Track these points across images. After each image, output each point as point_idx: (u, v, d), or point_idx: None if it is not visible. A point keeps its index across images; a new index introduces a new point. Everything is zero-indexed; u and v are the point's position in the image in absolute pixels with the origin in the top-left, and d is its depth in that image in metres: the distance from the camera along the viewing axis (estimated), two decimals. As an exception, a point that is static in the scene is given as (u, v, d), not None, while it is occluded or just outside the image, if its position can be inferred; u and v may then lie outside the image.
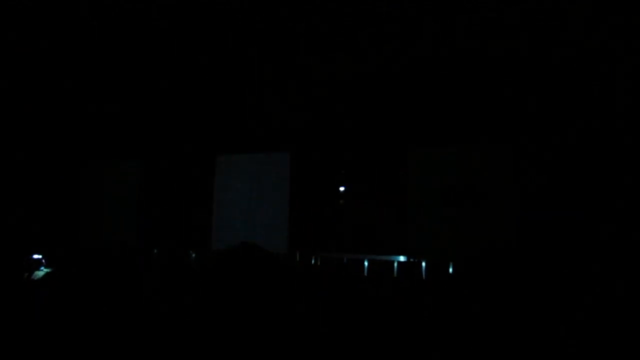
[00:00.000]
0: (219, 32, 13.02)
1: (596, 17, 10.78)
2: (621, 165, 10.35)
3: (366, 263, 10.26)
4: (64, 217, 12.53)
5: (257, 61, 15.16)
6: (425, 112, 12.46)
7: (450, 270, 9.31)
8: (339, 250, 10.90)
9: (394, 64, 13.22)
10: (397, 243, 10.41)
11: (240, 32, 12.91)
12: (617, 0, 10.19)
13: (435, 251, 9.56)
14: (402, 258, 9.96)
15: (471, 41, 12.50)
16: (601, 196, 9.88)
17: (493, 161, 9.45)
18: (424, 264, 9.67)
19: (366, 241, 11.53)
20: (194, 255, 11.93)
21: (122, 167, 12.24)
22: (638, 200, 9.75)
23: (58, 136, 12.47)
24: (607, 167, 10.48)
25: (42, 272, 8.34)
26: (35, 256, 7.91)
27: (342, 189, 11.21)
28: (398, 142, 12.49)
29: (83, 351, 1.95)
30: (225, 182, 11.36)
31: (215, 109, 14.90)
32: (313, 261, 10.45)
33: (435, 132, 11.98)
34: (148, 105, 14.09)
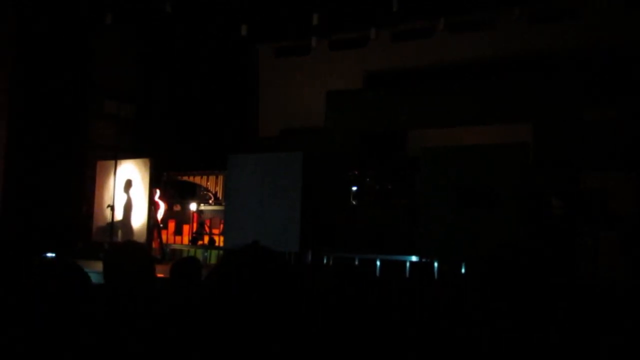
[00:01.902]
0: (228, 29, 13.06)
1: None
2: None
3: (378, 263, 10.25)
4: (76, 216, 12.59)
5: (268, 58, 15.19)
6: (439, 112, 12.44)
7: (463, 270, 9.27)
8: (351, 250, 10.89)
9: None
10: (409, 243, 10.39)
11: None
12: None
13: (447, 251, 9.53)
14: (414, 258, 9.94)
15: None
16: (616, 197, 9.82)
17: (506, 161, 9.40)
18: (436, 264, 9.64)
19: (378, 241, 11.50)
20: (205, 253, 11.96)
21: (134, 165, 12.27)
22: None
23: (71, 134, 12.53)
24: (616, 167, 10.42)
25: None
26: (49, 254, 7.94)
27: (354, 188, 11.21)
28: (410, 141, 12.48)
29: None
30: (237, 181, 11.36)
31: (228, 108, 14.94)
32: (325, 261, 10.44)
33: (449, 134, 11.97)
34: (160, 105, 14.15)
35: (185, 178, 13.13)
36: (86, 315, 1.90)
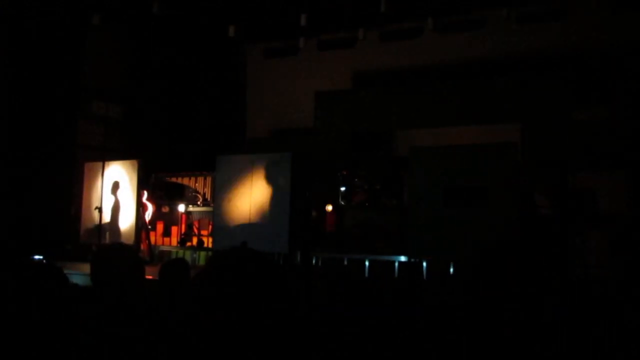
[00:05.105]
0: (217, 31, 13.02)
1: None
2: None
3: (367, 263, 10.25)
4: (64, 217, 12.51)
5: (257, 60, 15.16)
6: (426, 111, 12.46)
7: (452, 270, 9.28)
8: (340, 250, 10.89)
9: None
10: (398, 243, 10.39)
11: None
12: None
13: (436, 251, 9.53)
14: (403, 258, 9.94)
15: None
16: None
17: (495, 160, 9.42)
18: (425, 264, 9.65)
19: (367, 241, 11.50)
20: (194, 255, 11.93)
21: (122, 167, 12.21)
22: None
23: (58, 136, 12.45)
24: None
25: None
26: (36, 257, 7.88)
27: (343, 189, 11.20)
28: (399, 141, 12.49)
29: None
30: (225, 182, 11.34)
31: (216, 109, 14.91)
32: (314, 262, 10.43)
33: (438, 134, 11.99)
34: (147, 106, 14.10)
35: (173, 179, 13.08)
36: (72, 317, 1.88)
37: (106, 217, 11.95)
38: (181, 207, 12.58)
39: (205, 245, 12.14)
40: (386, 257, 10.43)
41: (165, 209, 13.06)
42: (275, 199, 10.71)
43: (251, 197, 10.93)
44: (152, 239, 12.39)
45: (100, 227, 11.68)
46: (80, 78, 12.98)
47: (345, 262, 10.28)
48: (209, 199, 12.57)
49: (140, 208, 11.85)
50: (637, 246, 8.76)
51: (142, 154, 12.26)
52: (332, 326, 3.34)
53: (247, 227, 10.83)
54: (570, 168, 10.26)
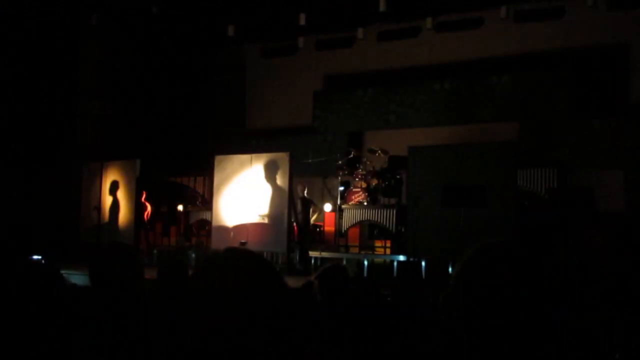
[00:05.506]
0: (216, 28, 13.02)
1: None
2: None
3: (366, 263, 10.24)
4: (64, 218, 12.50)
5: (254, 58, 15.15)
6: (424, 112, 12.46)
7: (450, 269, 9.26)
8: (339, 250, 10.88)
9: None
10: (397, 243, 10.39)
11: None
12: None
13: (435, 251, 9.51)
14: (402, 258, 9.93)
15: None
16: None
17: (494, 159, 9.40)
18: (423, 263, 9.63)
19: (366, 241, 11.50)
20: (193, 255, 11.91)
21: (121, 166, 12.20)
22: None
23: (57, 136, 12.44)
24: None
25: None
26: (35, 257, 7.86)
27: (341, 188, 11.19)
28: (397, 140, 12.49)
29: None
30: (224, 182, 11.32)
31: (215, 109, 14.90)
32: (313, 262, 10.42)
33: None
34: (146, 106, 14.09)
35: (172, 179, 13.07)
36: (71, 317, 1.89)
37: (105, 217, 11.94)
38: (180, 207, 12.56)
39: (204, 245, 12.12)
40: (385, 257, 10.42)
41: (164, 209, 13.05)
42: (274, 199, 10.70)
43: (250, 197, 10.92)
44: (151, 238, 12.39)
45: (99, 227, 11.67)
46: (80, 78, 12.97)
47: (345, 262, 10.27)
48: (208, 199, 12.55)
49: (140, 208, 11.84)
50: (637, 246, 8.76)
51: (142, 154, 12.24)
52: (331, 326, 3.34)
53: (246, 227, 10.82)
54: (569, 168, 10.26)
